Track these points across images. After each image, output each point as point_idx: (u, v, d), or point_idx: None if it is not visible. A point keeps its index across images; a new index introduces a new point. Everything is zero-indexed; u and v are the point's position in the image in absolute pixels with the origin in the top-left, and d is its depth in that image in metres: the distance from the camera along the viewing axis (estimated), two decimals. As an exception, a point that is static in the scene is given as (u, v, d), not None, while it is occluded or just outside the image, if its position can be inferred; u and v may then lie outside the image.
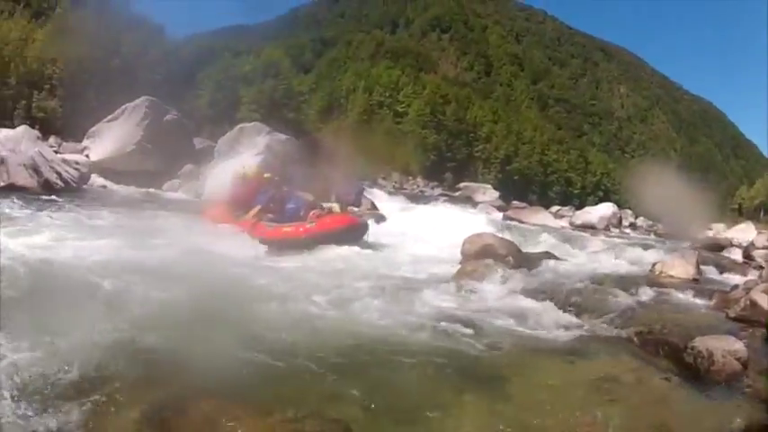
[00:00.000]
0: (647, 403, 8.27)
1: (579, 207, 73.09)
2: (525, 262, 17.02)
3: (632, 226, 60.64)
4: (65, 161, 30.08)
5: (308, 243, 17.14)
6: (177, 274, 11.01)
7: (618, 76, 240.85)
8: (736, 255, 29.64)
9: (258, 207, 19.25)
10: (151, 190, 33.43)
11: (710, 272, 20.52)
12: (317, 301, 10.78)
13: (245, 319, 9.11)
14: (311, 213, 18.32)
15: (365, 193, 30.96)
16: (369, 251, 18.16)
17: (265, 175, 21.00)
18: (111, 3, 50.70)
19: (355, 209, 21.40)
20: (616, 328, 11.07)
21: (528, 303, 12.23)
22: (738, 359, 9.73)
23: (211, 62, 74.71)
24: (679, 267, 17.93)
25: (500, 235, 20.04)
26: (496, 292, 13.08)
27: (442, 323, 10.18)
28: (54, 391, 6.02)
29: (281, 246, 17.05)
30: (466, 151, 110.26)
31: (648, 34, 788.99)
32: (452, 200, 58.36)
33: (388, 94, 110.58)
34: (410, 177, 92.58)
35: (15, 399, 5.76)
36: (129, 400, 6.06)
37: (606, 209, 51.43)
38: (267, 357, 7.50)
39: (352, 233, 18.13)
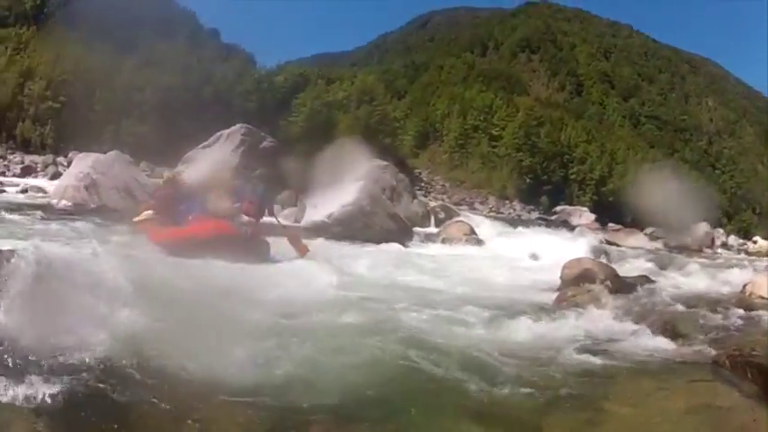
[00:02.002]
0: (734, 428, 8.10)
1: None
2: (623, 286, 17.43)
3: (724, 245, 59.96)
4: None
5: (184, 248, 15.53)
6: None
7: (705, 89, 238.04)
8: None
9: (148, 210, 18.08)
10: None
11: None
12: (415, 325, 11.00)
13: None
14: (190, 217, 17.05)
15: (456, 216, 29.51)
16: (471, 275, 17.65)
17: (165, 175, 20.28)
18: (201, 33, 50.61)
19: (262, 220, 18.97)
20: (707, 351, 11.06)
21: (625, 328, 12.89)
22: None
23: (304, 89, 74.92)
24: None
25: (598, 259, 20.39)
26: (595, 318, 13.44)
27: (541, 348, 10.45)
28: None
29: (167, 249, 16.06)
30: (561, 173, 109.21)
31: (729, 43, 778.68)
32: (549, 223, 59.01)
33: (482, 118, 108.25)
34: (506, 201, 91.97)
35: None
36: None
37: (701, 229, 51.01)
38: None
39: (227, 244, 15.65)
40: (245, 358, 7.79)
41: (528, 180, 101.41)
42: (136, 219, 17.84)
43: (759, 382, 8.97)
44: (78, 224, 19.43)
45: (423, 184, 79.80)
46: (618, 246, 39.60)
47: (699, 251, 45.64)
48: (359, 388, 7.47)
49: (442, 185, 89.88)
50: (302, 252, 18.60)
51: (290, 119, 70.78)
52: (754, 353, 10.08)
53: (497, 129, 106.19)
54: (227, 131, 39.63)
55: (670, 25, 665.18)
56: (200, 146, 39.24)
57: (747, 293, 17.11)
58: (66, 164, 44.76)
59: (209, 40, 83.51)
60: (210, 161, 37.39)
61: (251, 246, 16.68)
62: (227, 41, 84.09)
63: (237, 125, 40.48)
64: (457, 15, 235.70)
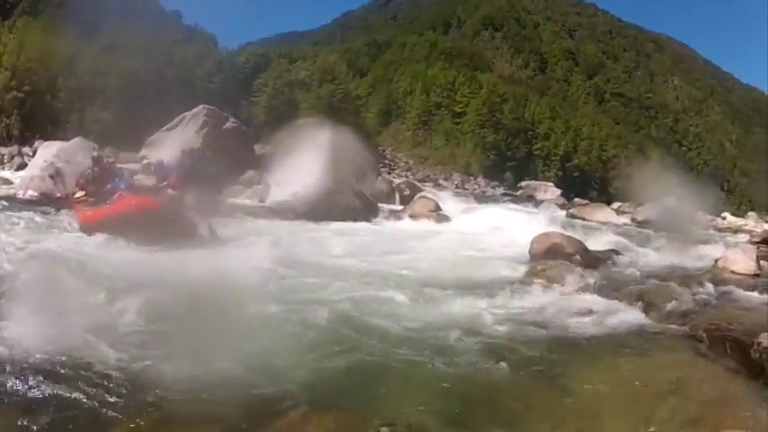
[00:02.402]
0: (713, 400, 8.28)
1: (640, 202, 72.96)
2: (593, 260, 17.51)
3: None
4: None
5: (109, 227, 15.52)
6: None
7: (671, 68, 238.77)
8: (797, 247, 28.56)
9: (78, 189, 17.95)
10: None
11: (772, 266, 19.91)
12: (397, 300, 11.35)
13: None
14: (116, 195, 16.70)
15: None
16: (439, 251, 17.85)
17: (93, 154, 20.54)
18: (163, 16, 50.33)
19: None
20: (682, 325, 11.36)
21: (597, 302, 12.87)
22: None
23: (266, 69, 74.71)
24: (741, 263, 17.59)
25: (566, 233, 20.20)
26: (566, 291, 13.54)
27: (514, 322, 10.54)
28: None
29: (94, 229, 15.91)
30: (525, 149, 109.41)
31: (697, 24, 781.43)
32: (515, 199, 59.03)
33: (445, 95, 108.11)
34: (471, 177, 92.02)
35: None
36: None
37: (668, 204, 51.32)
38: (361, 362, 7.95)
39: (151, 220, 15.28)
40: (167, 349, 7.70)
41: (492, 156, 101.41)
42: (71, 198, 17.89)
43: (736, 356, 9.22)
44: (35, 215, 19.06)
45: (387, 162, 79.88)
46: (585, 220, 39.55)
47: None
48: (317, 373, 7.55)
49: (406, 162, 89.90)
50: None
51: (252, 99, 71.12)
52: (731, 327, 10.34)
53: (461, 106, 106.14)
54: (189, 113, 39.59)
55: (636, 4, 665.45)
56: (164, 128, 39.27)
57: (720, 268, 17.39)
58: (31, 154, 44.50)
59: (171, 23, 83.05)
60: (174, 143, 37.41)
61: (177, 221, 16.13)
62: (189, 23, 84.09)
63: (200, 106, 40.43)
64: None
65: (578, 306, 11.84)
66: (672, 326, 11.05)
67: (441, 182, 71.75)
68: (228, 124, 40.56)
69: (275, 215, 26.04)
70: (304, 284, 12.42)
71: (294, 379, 7.19)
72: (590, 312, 11.38)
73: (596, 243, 20.94)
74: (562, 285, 13.47)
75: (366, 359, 8.15)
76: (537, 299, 12.46)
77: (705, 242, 25.23)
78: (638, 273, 15.81)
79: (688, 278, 14.80)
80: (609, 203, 67.60)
